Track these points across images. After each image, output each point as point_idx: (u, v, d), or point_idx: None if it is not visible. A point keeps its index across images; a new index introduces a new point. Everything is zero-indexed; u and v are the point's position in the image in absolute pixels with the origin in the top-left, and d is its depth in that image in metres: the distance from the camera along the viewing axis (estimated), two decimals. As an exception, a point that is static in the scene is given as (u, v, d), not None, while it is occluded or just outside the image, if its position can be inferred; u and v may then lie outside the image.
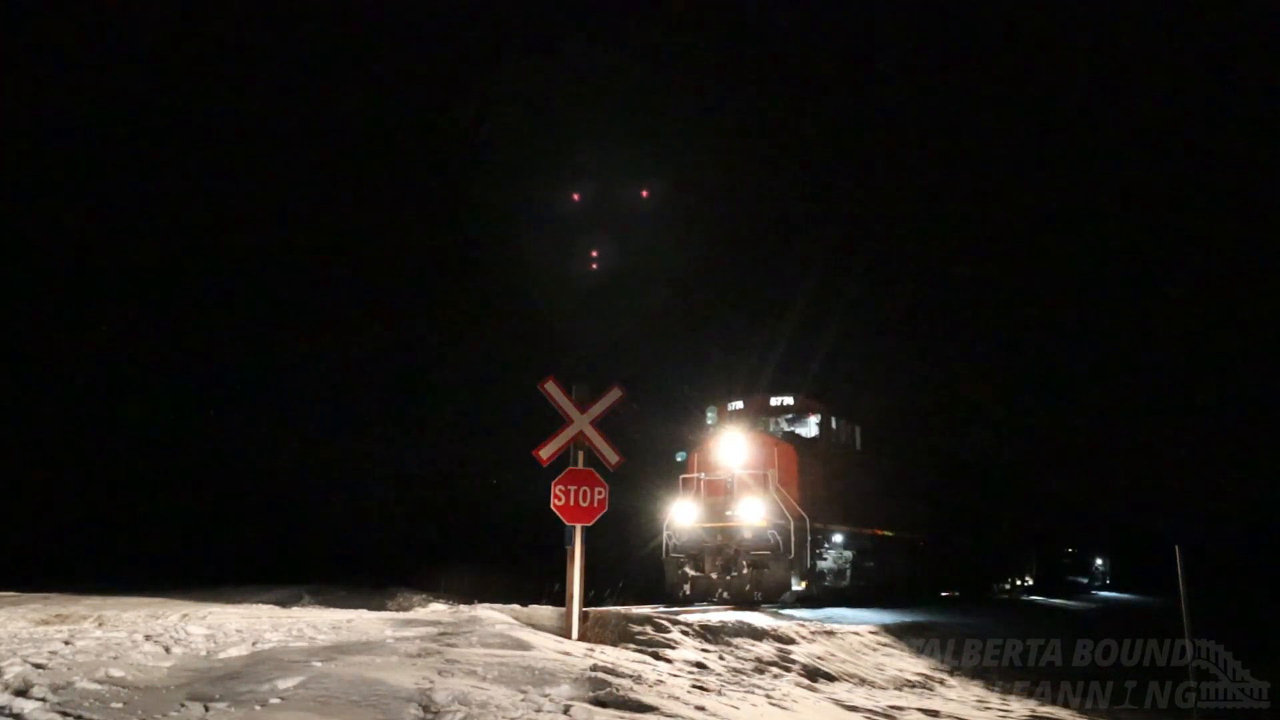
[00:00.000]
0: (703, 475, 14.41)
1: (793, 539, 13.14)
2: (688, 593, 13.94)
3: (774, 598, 13.36)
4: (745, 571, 13.42)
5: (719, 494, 14.14)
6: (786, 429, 15.90)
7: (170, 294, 28.46)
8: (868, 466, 16.84)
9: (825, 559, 14.64)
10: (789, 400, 15.86)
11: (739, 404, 15.89)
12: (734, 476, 13.92)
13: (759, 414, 15.74)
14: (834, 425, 16.04)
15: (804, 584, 13.66)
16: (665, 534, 14.25)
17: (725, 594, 13.58)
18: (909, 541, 18.18)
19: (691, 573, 13.93)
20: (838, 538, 15.02)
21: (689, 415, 16.65)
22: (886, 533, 16.96)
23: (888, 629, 11.07)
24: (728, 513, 13.83)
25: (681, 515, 14.16)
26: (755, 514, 13.48)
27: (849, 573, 15.39)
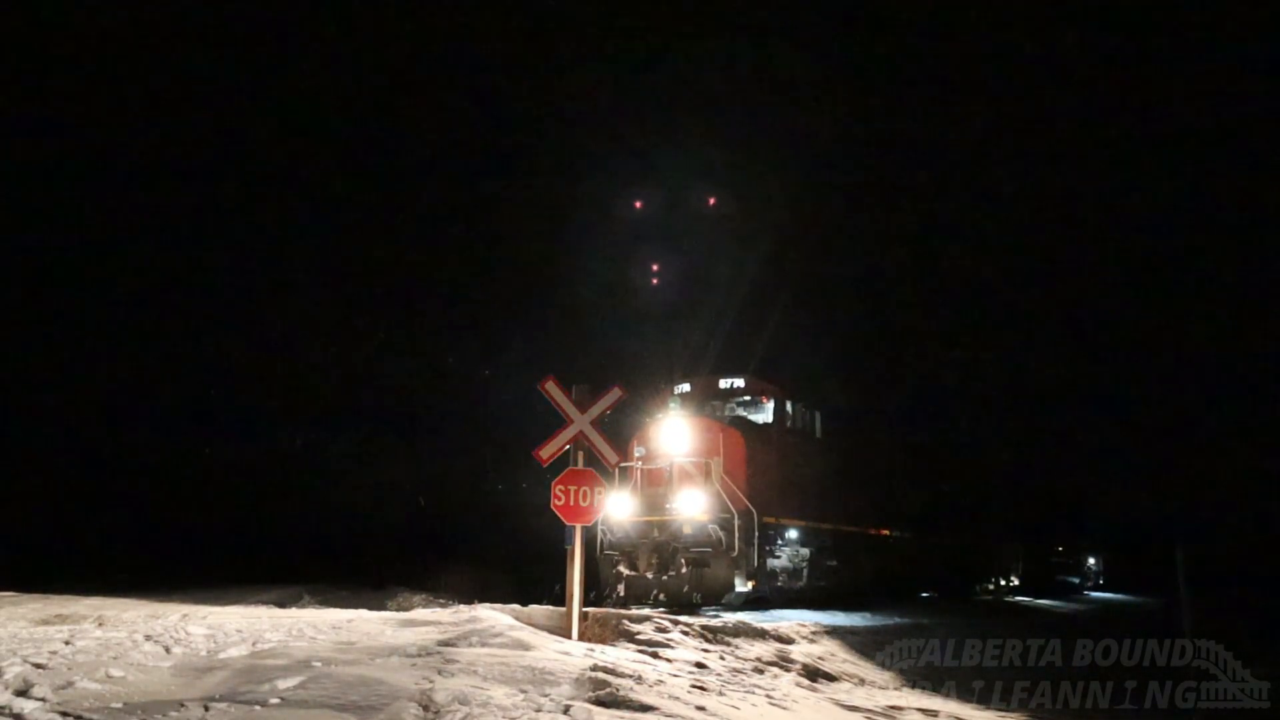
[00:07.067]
0: (642, 464, 13.08)
1: (737, 534, 11.83)
2: (621, 594, 12.68)
3: (716, 600, 12.17)
4: (683, 570, 12.12)
5: (658, 485, 12.82)
6: (738, 414, 14.59)
7: (175, 292, 28.42)
8: (829, 456, 15.36)
9: (779, 557, 13.44)
10: (739, 382, 14.50)
11: (685, 386, 14.65)
12: (674, 465, 12.62)
13: (706, 397, 14.50)
14: (790, 410, 14.61)
15: (751, 584, 12.43)
16: (599, 529, 12.80)
17: (661, 595, 12.31)
18: (878, 538, 16.92)
19: (626, 572, 12.65)
20: (793, 534, 13.79)
21: (648, 404, 15.16)
22: (851, 528, 15.58)
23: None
24: (667, 505, 12.53)
25: (616, 508, 12.60)
26: (695, 507, 12.20)
27: (806, 572, 14.16)
